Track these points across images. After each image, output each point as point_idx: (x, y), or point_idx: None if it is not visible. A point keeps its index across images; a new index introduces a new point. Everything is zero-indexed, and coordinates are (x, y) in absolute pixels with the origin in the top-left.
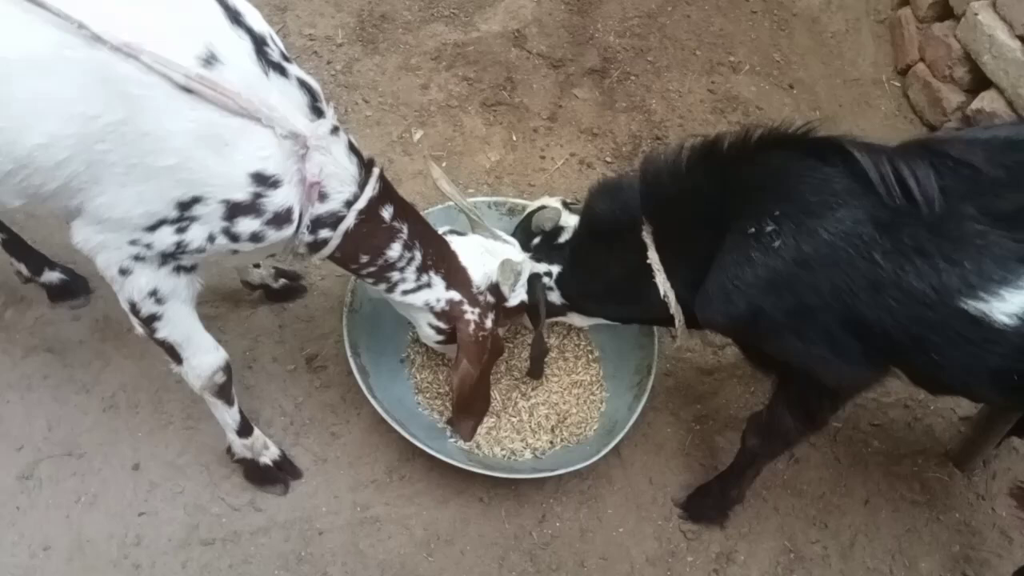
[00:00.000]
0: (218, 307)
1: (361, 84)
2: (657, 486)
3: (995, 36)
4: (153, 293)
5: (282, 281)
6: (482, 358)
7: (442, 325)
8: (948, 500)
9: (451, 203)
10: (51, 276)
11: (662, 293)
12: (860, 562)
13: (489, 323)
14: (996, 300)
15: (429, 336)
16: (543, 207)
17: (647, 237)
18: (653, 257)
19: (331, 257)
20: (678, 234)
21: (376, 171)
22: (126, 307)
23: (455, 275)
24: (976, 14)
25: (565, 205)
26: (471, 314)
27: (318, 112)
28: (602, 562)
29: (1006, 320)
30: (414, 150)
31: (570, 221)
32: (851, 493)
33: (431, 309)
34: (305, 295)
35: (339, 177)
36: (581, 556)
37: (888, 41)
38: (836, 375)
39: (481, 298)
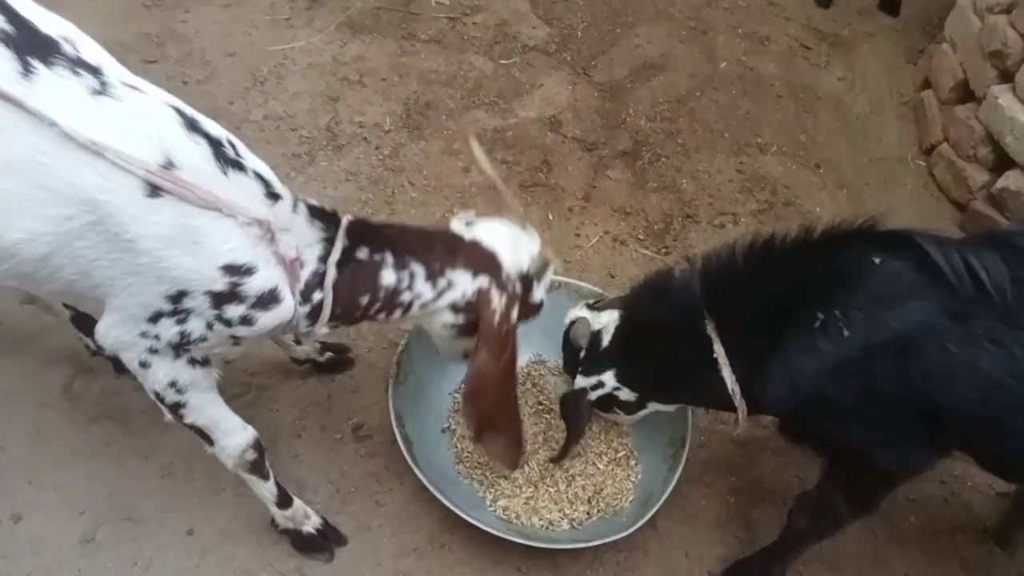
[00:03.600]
0: (270, 378)
1: (407, 167)
2: (693, 558)
3: (1016, 118)
4: (173, 384)
5: (328, 355)
6: (502, 354)
7: (460, 320)
8: None
9: None
10: None
11: (729, 387)
12: None
13: (514, 316)
14: None
15: (445, 324)
16: (572, 323)
17: (711, 332)
18: (719, 351)
19: (335, 318)
20: (740, 329)
21: (344, 220)
22: (152, 397)
23: (481, 262)
24: (996, 97)
25: (589, 307)
26: (498, 301)
27: (274, 196)
28: None
29: None
30: None
31: (601, 320)
32: (889, 569)
33: (455, 307)
34: (352, 367)
35: (309, 242)
36: None
37: (912, 121)
38: (896, 459)
39: (510, 286)
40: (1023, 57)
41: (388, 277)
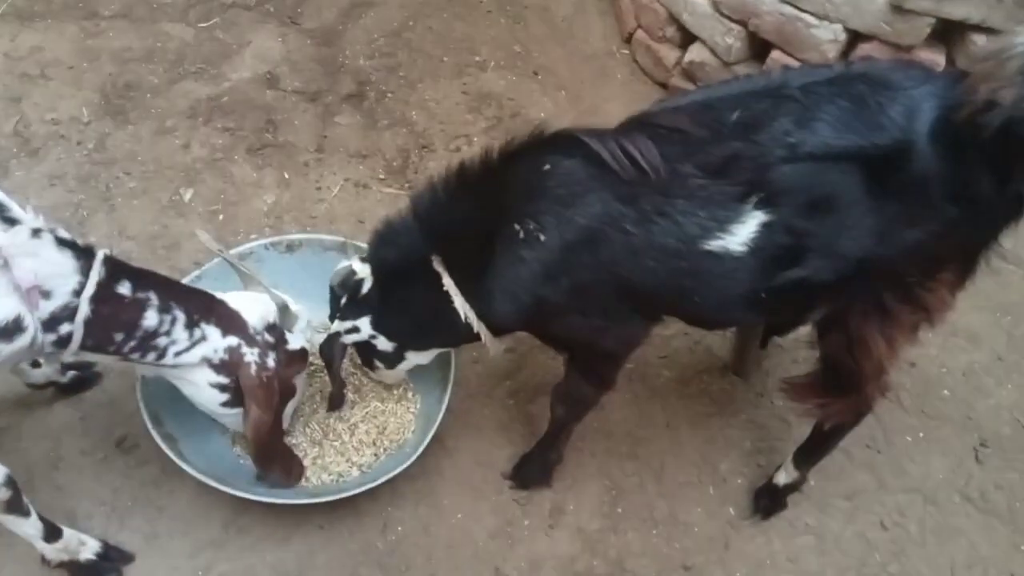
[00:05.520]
0: (11, 416)
1: (119, 157)
2: (485, 465)
3: None
4: None
5: (72, 373)
6: (272, 401)
7: (223, 380)
8: (734, 405)
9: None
10: None
11: (462, 315)
12: (672, 480)
13: (271, 362)
14: (729, 235)
15: (211, 399)
16: (336, 271)
17: (438, 266)
18: (448, 283)
19: (84, 347)
20: (463, 256)
21: (99, 254)
22: None
23: (228, 321)
24: None
25: (361, 260)
26: (251, 355)
27: (9, 221)
28: (449, 550)
29: (741, 249)
30: (188, 210)
31: (366, 271)
32: (653, 422)
33: (210, 362)
34: (101, 380)
35: (57, 273)
36: (427, 551)
37: (612, 15)
38: (616, 339)
39: (259, 338)
40: None
41: (151, 318)
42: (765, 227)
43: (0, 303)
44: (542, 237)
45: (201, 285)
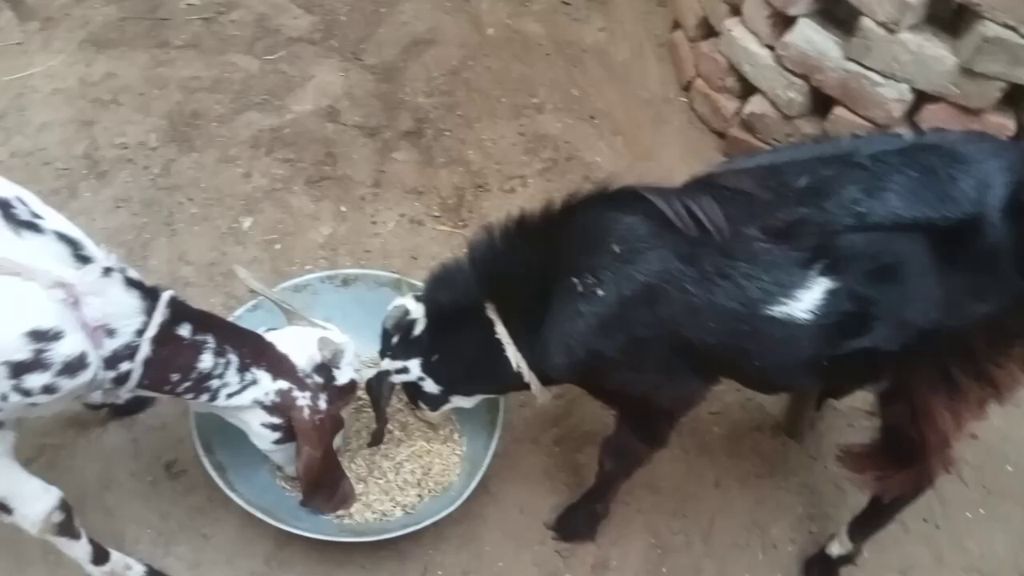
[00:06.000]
0: (64, 435)
1: (182, 183)
2: (529, 514)
3: (748, 48)
4: None
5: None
6: (325, 440)
7: (276, 420)
8: (787, 467)
9: (258, 300)
10: None
11: (514, 364)
12: (720, 541)
13: (323, 403)
14: (793, 301)
15: (264, 438)
16: (391, 309)
17: (492, 314)
18: (501, 331)
19: (140, 386)
20: (517, 306)
21: (164, 296)
22: None
23: (278, 365)
24: (730, 30)
25: (416, 299)
26: (303, 399)
27: (83, 259)
28: None
29: (805, 316)
30: (246, 239)
31: (419, 311)
32: (702, 480)
33: (262, 405)
34: (154, 402)
35: (122, 313)
36: None
37: (670, 62)
38: (670, 397)
39: (309, 381)
40: None
41: (206, 360)
42: (830, 294)
43: (67, 340)
44: (600, 292)
45: (259, 315)
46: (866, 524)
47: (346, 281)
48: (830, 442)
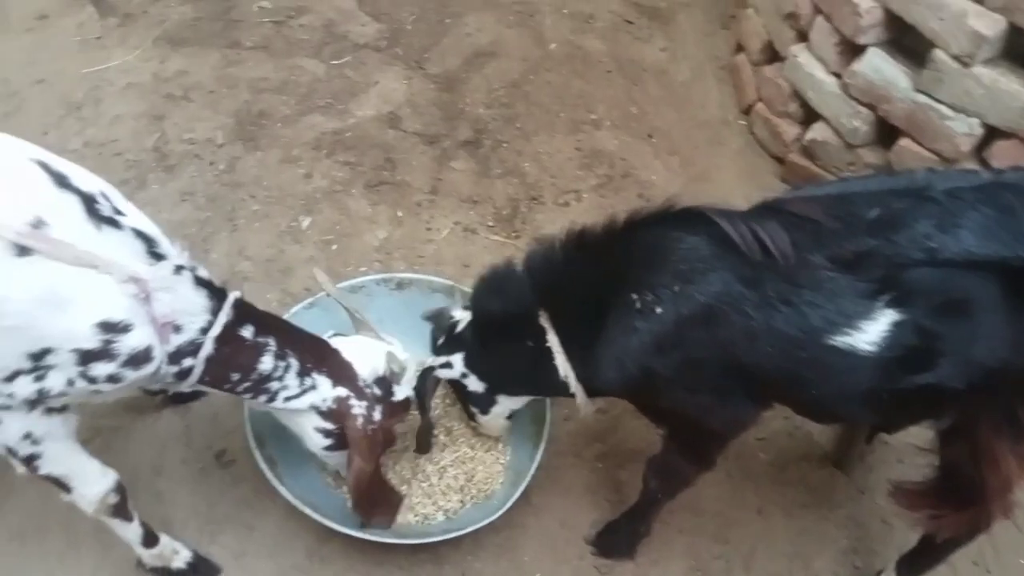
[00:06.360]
0: (121, 418)
1: (246, 181)
2: (569, 527)
3: (814, 74)
4: (28, 436)
5: None
6: (375, 453)
7: (329, 426)
8: (833, 498)
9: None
10: None
11: (562, 374)
12: (761, 569)
13: (377, 415)
14: (857, 332)
15: (316, 443)
16: (435, 311)
17: (545, 322)
18: (553, 340)
19: (202, 382)
20: (570, 317)
21: (231, 297)
22: (3, 452)
23: (340, 371)
24: (796, 56)
25: (465, 309)
26: (359, 408)
27: (157, 256)
28: None
29: (869, 348)
30: (304, 238)
31: (460, 312)
32: (746, 505)
33: (318, 410)
34: (209, 393)
35: (189, 311)
36: None
37: (730, 84)
38: (722, 419)
39: (368, 391)
40: (814, 18)
41: (267, 362)
42: (896, 326)
43: (136, 333)
44: (658, 309)
45: (313, 314)
46: (915, 563)
47: (400, 285)
48: (879, 476)
